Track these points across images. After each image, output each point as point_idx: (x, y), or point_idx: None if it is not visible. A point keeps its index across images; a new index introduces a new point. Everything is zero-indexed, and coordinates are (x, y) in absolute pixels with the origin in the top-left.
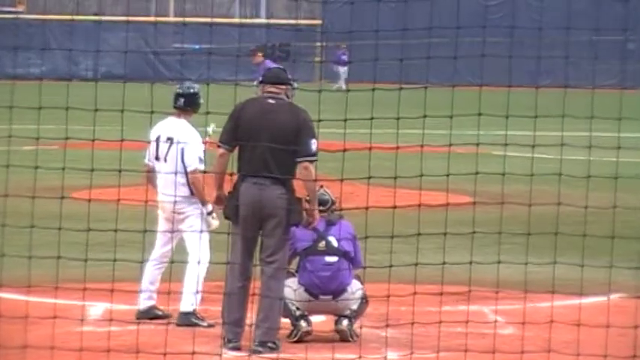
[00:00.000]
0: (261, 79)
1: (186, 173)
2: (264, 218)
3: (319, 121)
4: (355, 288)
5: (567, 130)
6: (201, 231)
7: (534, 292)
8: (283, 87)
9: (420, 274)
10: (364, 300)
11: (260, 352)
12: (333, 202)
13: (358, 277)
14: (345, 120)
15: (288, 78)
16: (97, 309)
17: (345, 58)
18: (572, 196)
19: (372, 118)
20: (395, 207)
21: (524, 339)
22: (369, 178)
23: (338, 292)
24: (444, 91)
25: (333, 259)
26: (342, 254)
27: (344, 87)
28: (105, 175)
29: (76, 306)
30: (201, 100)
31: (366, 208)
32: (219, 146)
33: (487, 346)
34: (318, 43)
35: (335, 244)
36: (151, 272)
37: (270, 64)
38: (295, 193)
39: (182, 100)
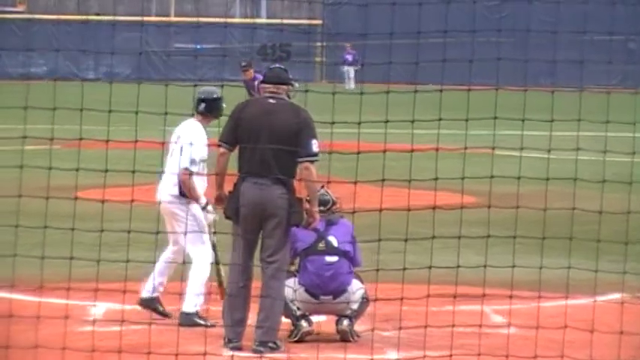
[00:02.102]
0: (261, 78)
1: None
2: (265, 218)
3: (332, 123)
4: (356, 288)
5: (576, 130)
6: (213, 234)
7: (542, 292)
8: (284, 87)
9: (424, 273)
10: (365, 300)
11: (261, 352)
12: (334, 203)
13: (359, 277)
14: (359, 123)
15: (289, 78)
16: (98, 309)
17: (349, 57)
18: (583, 195)
19: (386, 122)
20: (409, 210)
21: (530, 339)
22: (383, 180)
23: (338, 292)
24: (451, 91)
25: (333, 258)
26: (342, 254)
27: (352, 87)
28: (108, 175)
29: (78, 306)
30: (224, 105)
31: (380, 211)
32: (219, 145)
33: (490, 346)
34: (319, 43)
35: (335, 243)
36: (161, 264)
37: (259, 77)
38: (296, 193)
39: (204, 105)
